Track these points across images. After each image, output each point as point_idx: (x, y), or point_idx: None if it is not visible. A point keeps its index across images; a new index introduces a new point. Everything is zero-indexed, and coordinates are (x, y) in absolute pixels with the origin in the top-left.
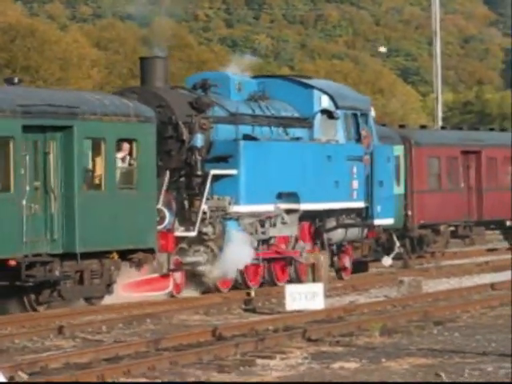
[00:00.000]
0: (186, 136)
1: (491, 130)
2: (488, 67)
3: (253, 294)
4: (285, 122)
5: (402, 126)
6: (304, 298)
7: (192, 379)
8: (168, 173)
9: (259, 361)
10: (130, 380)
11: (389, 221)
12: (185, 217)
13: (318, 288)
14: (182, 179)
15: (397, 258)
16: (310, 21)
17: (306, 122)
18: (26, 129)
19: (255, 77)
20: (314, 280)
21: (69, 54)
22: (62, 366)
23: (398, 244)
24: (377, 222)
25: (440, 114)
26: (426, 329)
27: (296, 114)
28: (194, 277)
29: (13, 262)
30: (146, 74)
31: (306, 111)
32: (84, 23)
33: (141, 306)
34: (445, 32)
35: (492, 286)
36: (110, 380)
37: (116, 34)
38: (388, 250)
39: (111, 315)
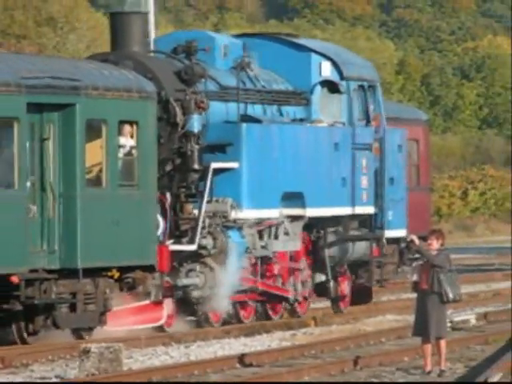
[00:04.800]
0: (179, 118)
1: None
2: None
3: None
4: (279, 98)
5: None
6: None
7: None
8: None
9: None
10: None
11: (401, 232)
12: (173, 225)
13: None
14: (171, 175)
15: None
16: None
17: (301, 97)
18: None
19: (236, 36)
20: None
21: None
22: None
23: None
24: (389, 233)
25: None
26: None
27: (289, 87)
28: (185, 305)
29: None
30: (120, 35)
31: (301, 83)
32: None
33: None
34: None
35: None
36: None
37: None
38: None
39: None
